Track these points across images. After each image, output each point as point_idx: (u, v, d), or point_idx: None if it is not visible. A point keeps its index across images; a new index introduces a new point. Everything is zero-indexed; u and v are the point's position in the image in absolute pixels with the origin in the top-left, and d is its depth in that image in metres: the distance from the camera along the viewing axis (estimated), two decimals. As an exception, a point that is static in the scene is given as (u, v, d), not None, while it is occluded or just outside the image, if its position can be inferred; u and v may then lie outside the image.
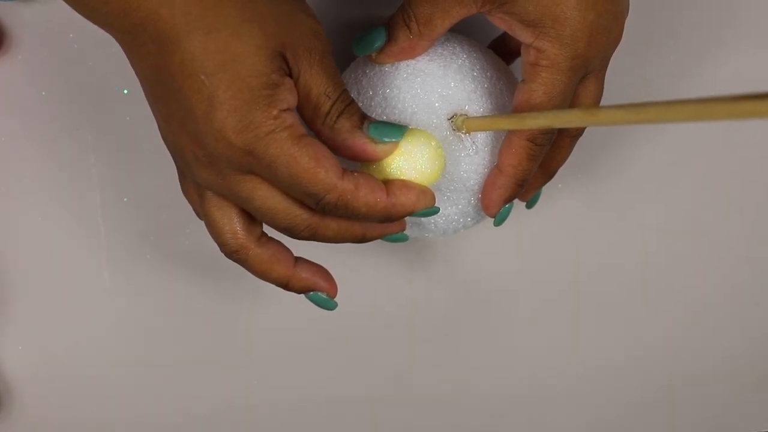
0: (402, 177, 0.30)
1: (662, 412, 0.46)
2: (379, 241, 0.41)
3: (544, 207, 0.41)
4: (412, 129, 0.30)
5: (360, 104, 0.31)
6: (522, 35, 0.30)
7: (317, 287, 0.32)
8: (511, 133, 0.31)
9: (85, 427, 0.42)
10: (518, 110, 0.31)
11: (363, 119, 0.29)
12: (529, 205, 0.35)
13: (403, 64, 0.32)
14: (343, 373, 0.44)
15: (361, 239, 0.31)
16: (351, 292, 0.43)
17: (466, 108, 0.32)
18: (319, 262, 0.42)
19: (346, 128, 0.28)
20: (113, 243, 0.41)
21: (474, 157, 0.32)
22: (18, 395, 0.42)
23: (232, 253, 0.30)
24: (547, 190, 0.36)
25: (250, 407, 0.43)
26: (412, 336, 0.44)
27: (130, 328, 0.42)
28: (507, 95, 0.33)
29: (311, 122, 0.29)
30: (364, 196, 0.28)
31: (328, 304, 0.32)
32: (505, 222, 0.35)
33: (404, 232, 0.33)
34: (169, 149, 0.30)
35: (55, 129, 0.40)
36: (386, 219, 0.29)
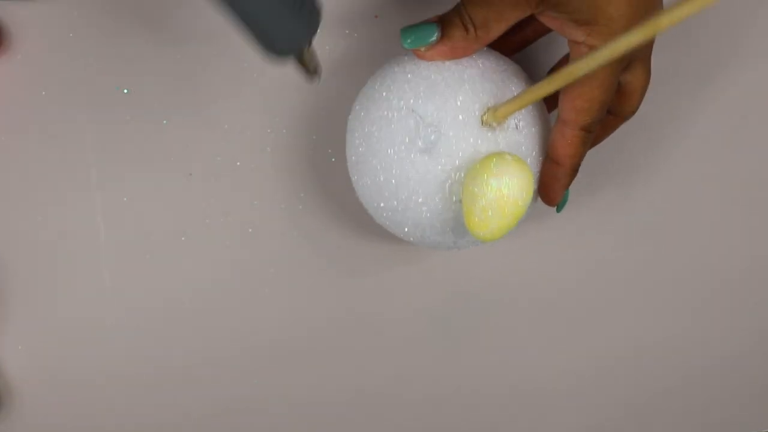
0: (504, 204, 0.30)
1: (662, 412, 0.46)
2: (380, 245, 0.41)
3: (544, 207, 0.41)
4: (480, 163, 0.31)
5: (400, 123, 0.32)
6: (573, 33, 0.31)
7: None
8: (562, 125, 0.32)
9: (85, 427, 0.42)
10: (574, 106, 0.31)
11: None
12: (559, 209, 0.35)
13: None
14: (343, 376, 0.44)
15: None
16: (352, 294, 0.43)
17: (488, 102, 0.32)
18: (321, 268, 0.43)
19: None
20: (113, 243, 0.41)
21: (523, 137, 0.33)
22: (18, 395, 0.42)
23: None
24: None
25: (250, 407, 0.43)
26: (414, 338, 0.44)
27: (129, 328, 0.42)
28: (500, 64, 0.34)
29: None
30: None
31: None
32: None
33: (443, 245, 0.35)
34: None
35: (55, 129, 0.40)
36: None
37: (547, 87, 0.29)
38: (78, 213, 0.41)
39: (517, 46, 0.38)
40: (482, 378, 0.45)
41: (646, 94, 0.34)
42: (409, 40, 0.32)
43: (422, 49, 0.32)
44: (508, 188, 0.30)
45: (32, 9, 0.38)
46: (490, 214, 0.30)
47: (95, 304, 0.41)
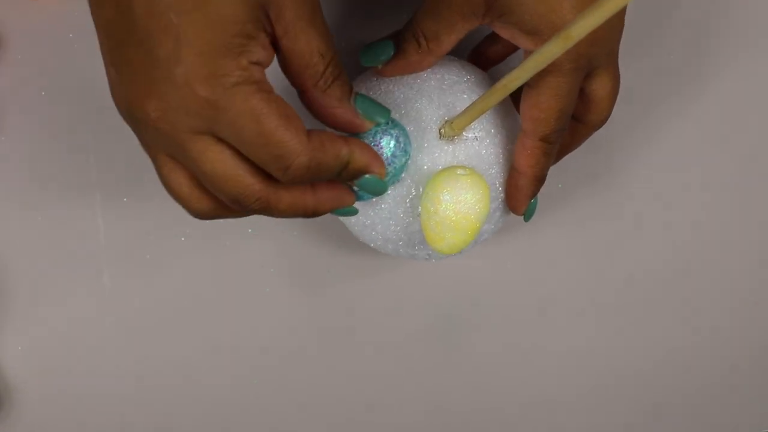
0: (457, 219, 0.30)
1: (662, 412, 0.46)
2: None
3: (544, 209, 0.41)
4: (433, 179, 0.31)
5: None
6: (523, 43, 0.31)
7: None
8: (523, 135, 0.32)
9: (84, 427, 0.42)
10: (531, 116, 0.31)
11: (351, 89, 0.29)
12: (527, 218, 0.35)
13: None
14: (344, 375, 0.44)
15: (313, 213, 0.30)
16: (354, 294, 0.43)
17: (446, 115, 0.32)
18: (322, 268, 0.43)
19: (337, 95, 0.28)
20: (113, 243, 0.41)
21: (484, 147, 0.32)
22: (18, 395, 0.42)
23: (201, 216, 0.29)
24: (546, 191, 0.36)
25: (249, 408, 0.43)
26: (414, 341, 0.44)
27: (129, 328, 0.42)
28: (462, 74, 0.33)
29: (300, 82, 0.27)
30: (332, 148, 0.27)
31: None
32: (503, 224, 0.35)
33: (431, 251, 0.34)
34: (120, 111, 0.28)
35: (55, 129, 0.40)
36: (346, 171, 0.28)
37: (491, 98, 0.29)
38: (78, 213, 0.41)
39: (496, 58, 0.38)
40: (476, 384, 0.45)
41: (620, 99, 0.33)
42: (365, 58, 0.32)
43: (379, 66, 0.32)
44: (460, 203, 0.30)
45: (31, 9, 0.38)
46: (444, 228, 0.30)
47: (95, 304, 0.41)
